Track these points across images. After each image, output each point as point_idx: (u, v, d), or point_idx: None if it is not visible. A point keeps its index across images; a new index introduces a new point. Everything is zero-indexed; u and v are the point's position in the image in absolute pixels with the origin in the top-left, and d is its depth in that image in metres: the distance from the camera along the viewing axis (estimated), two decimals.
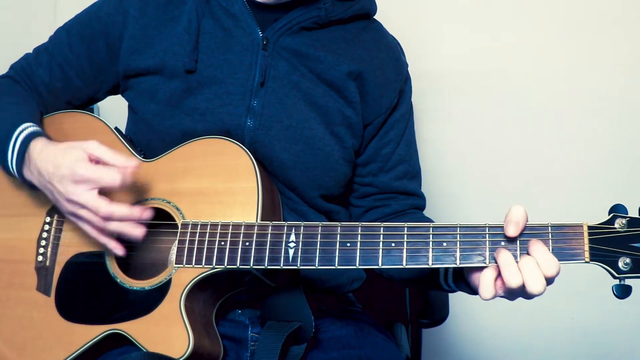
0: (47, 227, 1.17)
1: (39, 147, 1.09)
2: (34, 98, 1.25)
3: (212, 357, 1.07)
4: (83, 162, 1.04)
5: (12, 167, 1.13)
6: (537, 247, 0.90)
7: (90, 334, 1.07)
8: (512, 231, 0.91)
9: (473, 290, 1.02)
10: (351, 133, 1.22)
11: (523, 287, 0.90)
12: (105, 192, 1.05)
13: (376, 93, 1.23)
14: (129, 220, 1.04)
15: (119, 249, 1.07)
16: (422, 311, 1.46)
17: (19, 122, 1.13)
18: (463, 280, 1.02)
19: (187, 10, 1.20)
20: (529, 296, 0.92)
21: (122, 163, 1.04)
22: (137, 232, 1.05)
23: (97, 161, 1.05)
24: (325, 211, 1.24)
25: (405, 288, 1.57)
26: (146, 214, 1.05)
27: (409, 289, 1.57)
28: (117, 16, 1.22)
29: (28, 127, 1.13)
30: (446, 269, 1.07)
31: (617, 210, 0.90)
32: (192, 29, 1.19)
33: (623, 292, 0.88)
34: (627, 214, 0.90)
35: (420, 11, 1.91)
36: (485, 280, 0.93)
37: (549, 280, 0.91)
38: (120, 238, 1.07)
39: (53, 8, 2.01)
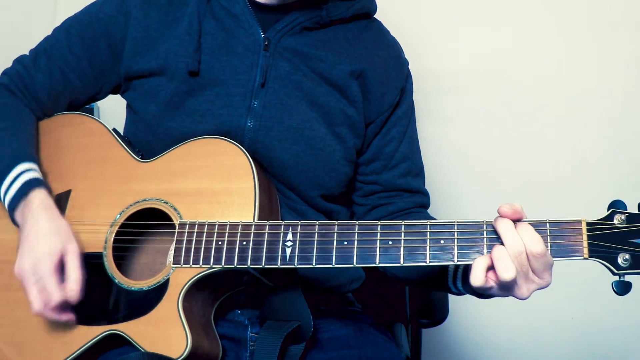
0: None
1: (37, 201, 1.09)
2: (31, 110, 1.24)
3: (211, 357, 1.07)
4: (48, 263, 1.04)
5: (4, 205, 1.13)
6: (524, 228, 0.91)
7: (89, 334, 1.06)
8: (505, 208, 0.91)
9: (482, 294, 1.01)
10: (353, 133, 1.22)
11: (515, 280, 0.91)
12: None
13: (378, 91, 1.23)
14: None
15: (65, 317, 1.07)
16: (422, 311, 1.45)
17: (16, 160, 1.13)
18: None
19: (189, 11, 1.20)
20: (518, 294, 0.92)
21: (70, 294, 1.04)
22: (65, 318, 1.06)
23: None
24: (325, 211, 1.24)
25: (405, 287, 1.57)
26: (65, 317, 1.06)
27: (409, 289, 1.57)
28: (119, 17, 1.21)
29: (26, 172, 1.12)
30: (455, 271, 1.06)
31: (616, 206, 0.90)
32: (193, 30, 1.19)
33: (623, 288, 0.88)
34: (626, 209, 0.90)
35: (421, 11, 1.92)
36: (475, 267, 0.92)
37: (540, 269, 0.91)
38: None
39: (53, 8, 2.02)
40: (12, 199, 1.11)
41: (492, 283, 0.93)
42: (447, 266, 1.08)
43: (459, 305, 1.85)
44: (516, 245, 0.90)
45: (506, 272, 0.90)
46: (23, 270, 1.05)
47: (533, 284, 0.92)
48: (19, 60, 1.27)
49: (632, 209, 0.90)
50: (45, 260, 1.04)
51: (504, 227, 0.91)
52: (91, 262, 1.11)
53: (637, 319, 1.87)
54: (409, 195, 1.27)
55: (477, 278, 0.92)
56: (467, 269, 1.03)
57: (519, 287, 0.92)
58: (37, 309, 1.04)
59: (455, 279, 1.07)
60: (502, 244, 0.92)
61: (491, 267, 0.92)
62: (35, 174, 1.13)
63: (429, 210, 1.31)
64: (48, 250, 1.05)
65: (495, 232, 0.93)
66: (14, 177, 1.11)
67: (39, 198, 1.10)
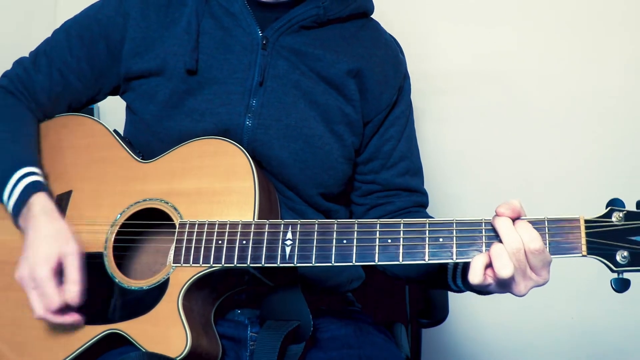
0: None
1: (38, 206, 1.09)
2: (31, 112, 1.24)
3: (211, 356, 1.07)
4: (46, 267, 1.04)
5: (7, 207, 1.13)
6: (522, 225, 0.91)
7: (89, 334, 1.07)
8: (502, 209, 0.92)
9: (480, 291, 1.02)
10: (351, 131, 1.23)
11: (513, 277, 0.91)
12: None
13: (376, 90, 1.23)
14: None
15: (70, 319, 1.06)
16: (422, 311, 1.45)
17: (17, 165, 1.13)
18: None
19: (187, 11, 1.21)
20: (515, 290, 0.93)
21: (70, 296, 1.04)
22: (69, 319, 1.05)
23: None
24: (325, 210, 1.24)
25: (405, 287, 1.57)
26: (70, 319, 1.05)
27: (409, 288, 1.57)
28: (117, 18, 1.22)
29: (28, 176, 1.12)
30: (455, 269, 1.07)
31: (615, 203, 0.90)
32: (191, 29, 1.19)
33: (621, 285, 0.88)
34: (624, 207, 0.90)
35: (420, 11, 1.92)
36: (474, 265, 0.93)
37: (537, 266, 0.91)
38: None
39: (53, 8, 2.02)
40: (15, 206, 1.11)
41: (490, 280, 0.93)
42: (446, 264, 1.08)
43: (459, 305, 1.85)
44: (514, 242, 0.90)
45: (504, 269, 0.90)
46: (22, 276, 1.06)
47: (530, 281, 0.93)
48: (19, 62, 1.27)
49: (630, 206, 0.90)
50: (42, 265, 1.04)
51: (502, 225, 0.91)
52: (92, 261, 1.11)
53: (636, 318, 1.87)
54: (407, 195, 1.27)
55: (475, 276, 0.92)
56: (466, 266, 1.03)
57: (516, 284, 0.93)
58: (39, 313, 1.04)
59: (455, 276, 1.07)
60: (500, 241, 0.92)
61: (489, 265, 0.92)
62: (35, 178, 1.13)
63: (427, 210, 1.31)
64: (45, 254, 1.05)
65: (494, 229, 0.93)
66: (15, 182, 1.12)
67: (39, 203, 1.10)
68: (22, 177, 1.12)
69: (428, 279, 1.16)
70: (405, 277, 1.22)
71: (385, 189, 1.26)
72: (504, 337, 1.96)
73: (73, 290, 1.04)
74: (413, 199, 1.27)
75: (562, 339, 1.92)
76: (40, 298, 1.04)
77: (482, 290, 0.99)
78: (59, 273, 1.05)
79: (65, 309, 1.05)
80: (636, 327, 1.88)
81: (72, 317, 1.05)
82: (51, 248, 1.05)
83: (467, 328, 1.97)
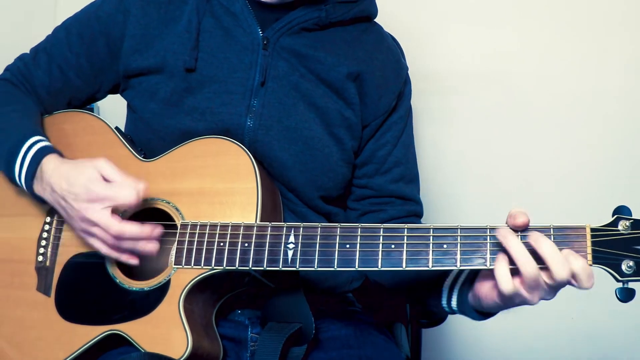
0: (47, 227, 1.17)
1: (52, 165, 1.09)
2: (34, 101, 1.24)
3: (212, 357, 1.07)
4: (97, 181, 1.04)
5: (19, 181, 1.12)
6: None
7: (90, 334, 1.06)
8: (521, 220, 0.89)
9: (480, 312, 1.01)
10: (350, 134, 1.22)
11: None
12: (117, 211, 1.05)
13: (375, 95, 1.23)
14: (140, 239, 1.04)
15: (132, 259, 1.07)
16: (422, 311, 1.45)
17: (27, 135, 1.13)
18: (468, 302, 1.01)
19: (188, 9, 1.20)
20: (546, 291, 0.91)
21: (132, 183, 1.04)
22: (149, 247, 1.05)
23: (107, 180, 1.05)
24: (325, 213, 1.24)
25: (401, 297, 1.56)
26: (156, 231, 1.05)
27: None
28: (117, 16, 1.21)
29: (38, 142, 1.12)
30: (450, 292, 1.05)
31: (621, 212, 0.89)
32: (192, 27, 1.18)
33: (626, 295, 0.87)
34: (631, 215, 0.89)
35: (422, 11, 1.91)
36: (499, 273, 0.89)
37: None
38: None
39: (53, 8, 2.01)
40: (27, 172, 1.10)
41: (520, 287, 0.90)
42: (441, 286, 1.07)
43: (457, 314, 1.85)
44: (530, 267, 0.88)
45: (528, 265, 0.88)
46: (83, 210, 1.03)
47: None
48: (20, 58, 1.28)
49: (636, 215, 0.89)
50: (92, 185, 1.03)
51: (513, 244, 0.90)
52: (92, 261, 1.11)
53: (637, 320, 1.87)
54: (401, 203, 1.25)
55: (506, 284, 0.89)
56: (463, 288, 1.03)
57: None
58: (131, 202, 1.02)
59: (450, 300, 1.06)
60: (504, 250, 0.91)
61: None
62: (43, 144, 1.12)
63: (427, 210, 1.30)
64: (88, 177, 1.04)
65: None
66: (25, 151, 1.11)
67: (52, 161, 1.10)
68: (31, 146, 1.12)
69: (420, 296, 1.15)
70: (398, 292, 1.21)
71: (379, 195, 1.25)
72: (504, 337, 1.96)
73: (127, 189, 1.03)
74: (407, 207, 1.26)
75: (562, 339, 1.92)
76: (102, 231, 1.03)
77: (486, 311, 0.99)
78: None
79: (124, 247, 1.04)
80: (637, 329, 1.89)
81: (130, 257, 1.05)
82: (88, 171, 1.05)
83: (467, 328, 1.97)
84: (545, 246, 0.88)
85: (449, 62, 1.90)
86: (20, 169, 1.11)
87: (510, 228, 0.91)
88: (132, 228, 1.03)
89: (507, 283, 0.89)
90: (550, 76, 1.86)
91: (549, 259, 0.88)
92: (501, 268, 0.90)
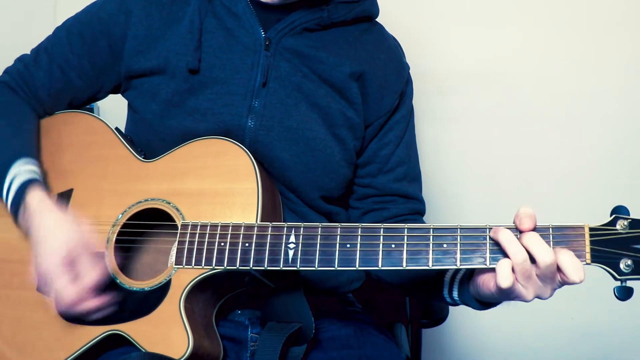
0: None
1: (35, 202, 1.09)
2: (31, 107, 1.23)
3: (212, 357, 1.07)
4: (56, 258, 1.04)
5: (7, 207, 1.12)
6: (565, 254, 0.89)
7: (90, 334, 1.06)
8: (526, 226, 0.90)
9: (480, 302, 1.02)
10: (353, 134, 1.22)
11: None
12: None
13: (377, 94, 1.23)
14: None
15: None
16: (422, 311, 1.45)
17: (14, 157, 1.12)
18: (469, 290, 1.02)
19: (191, 10, 1.20)
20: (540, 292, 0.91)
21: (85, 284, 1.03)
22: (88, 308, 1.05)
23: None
24: (326, 212, 1.24)
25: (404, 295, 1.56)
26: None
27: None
28: (119, 16, 1.21)
29: (21, 175, 1.11)
30: (451, 282, 1.06)
31: (619, 211, 0.90)
32: (194, 28, 1.18)
33: (625, 294, 0.88)
34: (629, 215, 0.89)
35: (423, 12, 1.91)
36: (500, 268, 0.90)
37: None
38: None
39: (53, 8, 2.01)
40: (12, 204, 1.10)
41: (519, 278, 0.91)
42: (443, 276, 1.08)
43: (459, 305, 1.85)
44: (521, 253, 0.89)
45: (520, 254, 0.89)
46: (51, 266, 1.04)
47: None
48: (20, 59, 1.27)
49: (634, 214, 0.90)
50: (51, 258, 1.03)
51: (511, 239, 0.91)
52: None
53: (637, 319, 1.88)
54: (404, 201, 1.26)
55: (504, 280, 0.90)
56: (464, 278, 1.04)
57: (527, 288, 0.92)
58: (65, 302, 1.02)
59: (452, 290, 1.06)
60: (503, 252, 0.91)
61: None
62: (27, 176, 1.11)
63: (428, 210, 1.31)
64: (52, 248, 1.04)
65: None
66: (10, 180, 1.10)
67: (36, 199, 1.09)
68: (17, 174, 1.11)
69: (422, 288, 1.15)
70: (397, 284, 1.21)
71: (381, 193, 1.25)
72: (504, 337, 1.96)
73: (86, 280, 1.03)
74: (409, 206, 1.26)
75: (562, 339, 1.93)
76: (75, 281, 1.03)
77: (483, 300, 0.99)
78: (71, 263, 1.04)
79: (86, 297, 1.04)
80: (637, 328, 1.89)
81: (94, 302, 1.04)
82: (55, 241, 1.05)
83: (467, 328, 1.98)
84: (530, 236, 0.90)
85: (449, 62, 1.90)
86: (7, 195, 1.11)
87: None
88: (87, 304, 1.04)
89: (505, 279, 0.90)
90: (550, 76, 1.87)
91: (533, 247, 0.89)
92: (503, 262, 0.91)
